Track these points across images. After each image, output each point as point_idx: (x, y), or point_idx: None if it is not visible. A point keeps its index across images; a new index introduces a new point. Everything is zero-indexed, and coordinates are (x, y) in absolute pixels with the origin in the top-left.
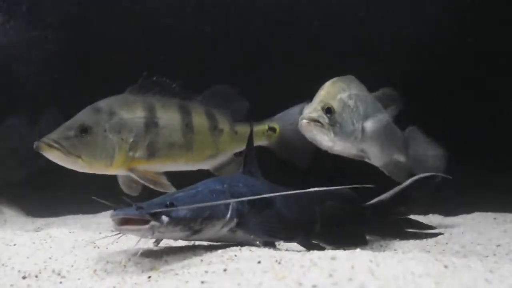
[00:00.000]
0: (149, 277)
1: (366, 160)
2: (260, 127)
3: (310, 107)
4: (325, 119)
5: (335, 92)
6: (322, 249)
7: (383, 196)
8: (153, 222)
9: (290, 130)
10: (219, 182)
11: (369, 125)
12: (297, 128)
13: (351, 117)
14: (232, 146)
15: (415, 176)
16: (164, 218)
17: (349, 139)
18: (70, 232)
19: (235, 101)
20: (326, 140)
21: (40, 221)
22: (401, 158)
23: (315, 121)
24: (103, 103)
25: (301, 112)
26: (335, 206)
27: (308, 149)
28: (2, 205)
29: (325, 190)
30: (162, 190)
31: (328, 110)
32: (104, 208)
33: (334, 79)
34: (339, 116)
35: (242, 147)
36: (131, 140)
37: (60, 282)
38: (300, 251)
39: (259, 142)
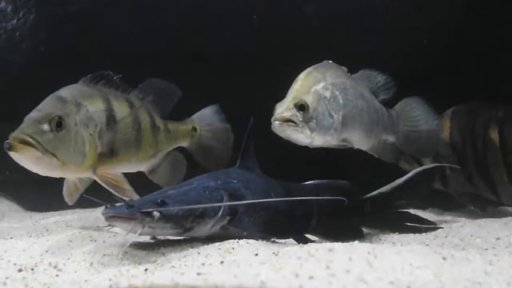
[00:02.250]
0: (146, 269)
1: (349, 146)
2: (185, 127)
3: (282, 105)
4: (298, 117)
5: (309, 84)
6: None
7: (383, 189)
8: (143, 216)
9: (207, 131)
10: (212, 178)
11: (346, 115)
12: (213, 129)
13: (328, 109)
14: (166, 145)
15: (416, 169)
16: (156, 214)
17: (328, 132)
18: (67, 226)
19: (168, 96)
20: (303, 138)
21: (38, 215)
22: (389, 138)
23: (288, 120)
24: (65, 93)
25: (216, 112)
26: (332, 200)
27: (224, 152)
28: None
29: (321, 183)
30: (123, 197)
31: (302, 107)
32: (103, 203)
33: (309, 69)
34: (314, 111)
35: (173, 146)
36: (97, 135)
37: (57, 275)
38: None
39: (182, 143)
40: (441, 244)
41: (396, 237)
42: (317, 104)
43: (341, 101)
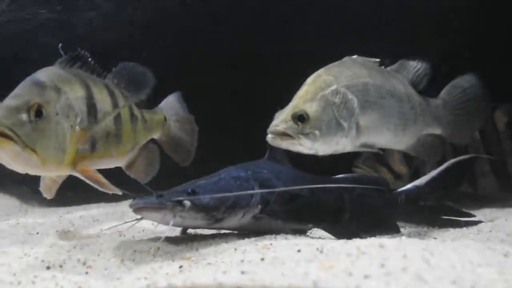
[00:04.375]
0: (181, 266)
1: (374, 150)
2: (158, 116)
3: (280, 116)
4: (295, 129)
5: (316, 90)
6: (353, 234)
7: (417, 182)
8: (174, 204)
9: (175, 121)
10: (242, 169)
11: (364, 119)
12: (179, 119)
13: (336, 117)
14: (143, 136)
15: (451, 160)
16: (186, 202)
17: (335, 141)
18: (94, 221)
19: (146, 82)
20: (305, 150)
21: (62, 210)
22: (435, 131)
23: (283, 134)
24: (43, 77)
25: (179, 101)
26: (365, 194)
27: (192, 145)
28: (23, 195)
29: (352, 176)
30: (108, 191)
31: (301, 118)
32: (128, 196)
33: (320, 71)
34: (316, 121)
35: (148, 138)
36: (77, 127)
37: (86, 273)
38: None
39: (155, 134)
40: (486, 239)
41: (436, 231)
42: (322, 113)
43: (355, 106)
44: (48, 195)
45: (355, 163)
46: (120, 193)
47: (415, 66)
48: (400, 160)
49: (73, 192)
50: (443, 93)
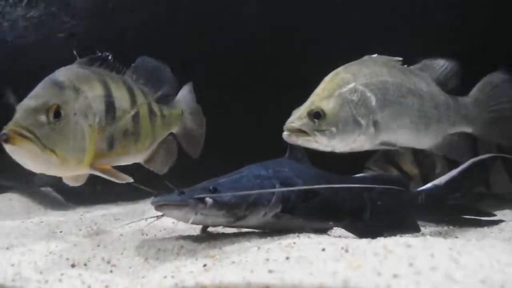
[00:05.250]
0: (205, 265)
1: (395, 148)
2: (177, 110)
3: (296, 112)
4: (311, 126)
5: (333, 87)
6: (376, 233)
7: (437, 181)
8: (196, 202)
9: (188, 113)
10: (263, 167)
11: (383, 117)
12: (191, 111)
13: (353, 114)
14: (162, 132)
15: (472, 159)
16: (208, 200)
17: (353, 139)
18: (115, 219)
19: (164, 77)
20: (321, 147)
21: (82, 209)
22: (466, 130)
23: (299, 130)
24: (61, 76)
25: (190, 91)
26: (385, 192)
27: (202, 136)
28: (40, 194)
29: (371, 175)
30: (123, 181)
31: (317, 115)
32: (146, 195)
33: (338, 69)
34: (333, 118)
35: (167, 133)
36: (96, 127)
37: (111, 271)
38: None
39: (174, 128)
40: (509, 238)
41: (457, 231)
42: (339, 110)
43: (373, 104)
44: (76, 183)
45: (366, 164)
46: (131, 180)
47: (442, 65)
48: (411, 161)
49: (92, 191)
50: (474, 91)
